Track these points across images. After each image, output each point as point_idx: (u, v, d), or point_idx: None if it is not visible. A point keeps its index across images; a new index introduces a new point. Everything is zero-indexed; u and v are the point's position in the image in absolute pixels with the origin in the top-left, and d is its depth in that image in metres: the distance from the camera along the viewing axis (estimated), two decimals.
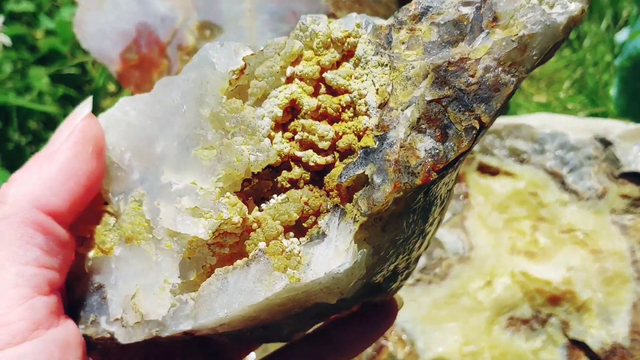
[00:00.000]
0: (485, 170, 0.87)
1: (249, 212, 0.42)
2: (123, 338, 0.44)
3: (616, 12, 1.20)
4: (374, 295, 0.52)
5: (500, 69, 0.40)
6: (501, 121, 0.89)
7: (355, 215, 0.40)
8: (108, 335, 0.44)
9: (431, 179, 0.39)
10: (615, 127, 0.86)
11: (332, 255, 0.40)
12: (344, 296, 0.44)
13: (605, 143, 0.85)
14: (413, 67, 0.40)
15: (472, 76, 0.40)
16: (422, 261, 0.85)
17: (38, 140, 1.26)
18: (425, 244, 0.52)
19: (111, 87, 1.33)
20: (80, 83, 1.31)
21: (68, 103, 1.29)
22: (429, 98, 0.40)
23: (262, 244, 0.41)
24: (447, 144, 0.40)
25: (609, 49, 1.17)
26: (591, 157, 0.86)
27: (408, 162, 0.39)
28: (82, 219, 0.45)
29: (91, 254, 0.45)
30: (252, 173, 0.42)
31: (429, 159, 0.39)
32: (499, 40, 0.40)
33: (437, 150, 0.39)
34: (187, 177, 0.42)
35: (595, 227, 0.84)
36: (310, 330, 0.56)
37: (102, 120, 0.45)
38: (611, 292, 0.83)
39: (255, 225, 0.42)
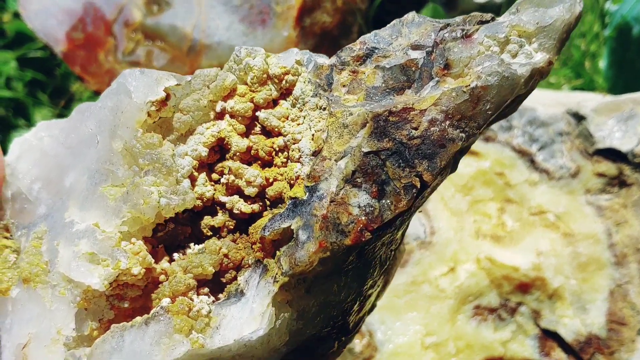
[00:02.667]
0: None
1: (157, 262, 0.38)
2: None
3: None
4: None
5: (447, 122, 0.36)
6: None
7: (276, 274, 0.37)
8: None
9: (363, 239, 0.36)
10: (589, 101, 0.80)
11: (246, 318, 0.37)
12: None
13: (578, 118, 0.79)
14: (351, 114, 0.37)
15: (416, 129, 0.37)
16: None
17: (7, 127, 1.23)
18: (367, 307, 0.47)
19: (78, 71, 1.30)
20: (49, 67, 1.27)
21: (37, 88, 1.26)
22: (366, 149, 0.36)
23: (166, 301, 0.37)
24: (383, 201, 0.36)
25: (598, 18, 1.10)
26: (563, 133, 0.79)
27: (338, 219, 0.36)
28: None
29: None
30: (174, 218, 0.39)
31: (363, 217, 0.36)
32: (449, 91, 0.36)
33: (372, 208, 0.36)
34: (91, 217, 0.38)
35: (568, 209, 0.78)
36: None
37: (16, 146, 0.42)
38: (586, 279, 0.77)
39: (162, 277, 0.38)
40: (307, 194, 0.37)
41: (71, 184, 0.39)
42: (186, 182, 0.38)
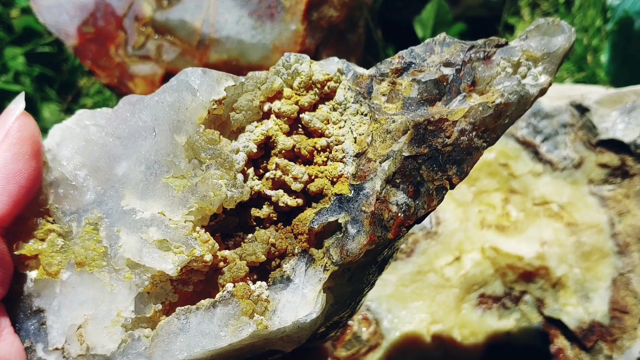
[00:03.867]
0: None
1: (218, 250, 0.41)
2: None
3: None
4: (313, 342, 0.52)
5: (474, 133, 0.41)
6: None
7: (326, 263, 0.41)
8: None
9: (401, 234, 0.41)
10: (592, 93, 0.81)
11: (299, 302, 0.40)
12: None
13: (582, 110, 0.80)
14: (394, 122, 0.41)
15: (448, 137, 0.41)
16: None
17: None
18: (368, 295, 0.52)
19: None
20: (56, 62, 1.29)
21: (45, 83, 1.27)
22: (406, 154, 0.41)
23: (229, 285, 0.40)
24: (418, 201, 0.41)
25: (600, 13, 1.11)
26: (567, 124, 0.81)
27: (382, 215, 0.40)
28: (18, 229, 0.42)
29: (33, 274, 0.42)
30: (223, 209, 0.42)
31: (401, 214, 0.40)
32: (476, 106, 0.41)
33: (409, 206, 0.41)
34: (154, 206, 0.41)
35: (571, 199, 0.80)
36: None
37: (57, 132, 0.43)
38: (589, 268, 0.78)
39: (222, 264, 0.41)
40: (353, 192, 0.41)
41: (124, 174, 0.42)
42: (240, 176, 0.42)
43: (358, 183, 0.41)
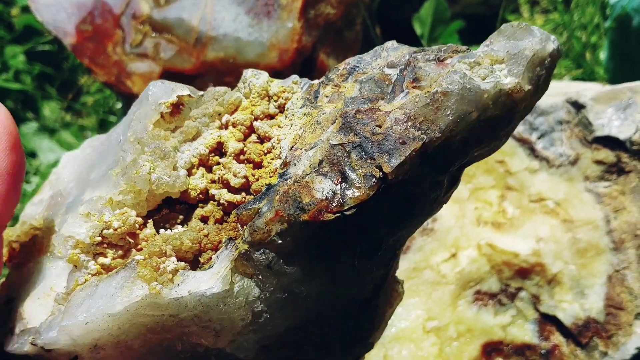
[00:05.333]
0: None
1: (140, 229, 0.43)
2: (10, 346, 0.43)
3: None
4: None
5: (409, 123, 0.39)
6: None
7: (239, 243, 0.40)
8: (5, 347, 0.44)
9: (321, 218, 0.39)
10: (588, 90, 0.81)
11: (205, 279, 0.40)
12: (233, 350, 0.42)
13: (578, 106, 0.80)
14: (324, 113, 0.42)
15: (379, 126, 0.40)
16: None
17: (16, 120, 1.24)
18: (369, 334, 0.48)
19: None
20: (57, 60, 1.29)
21: (45, 81, 1.28)
22: (333, 142, 0.40)
23: (139, 257, 0.41)
24: (345, 188, 0.39)
25: (599, 10, 1.11)
26: (563, 121, 0.81)
27: (300, 198, 0.39)
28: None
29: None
30: (163, 201, 0.43)
31: (324, 200, 0.39)
32: (413, 97, 0.40)
33: (334, 193, 0.39)
34: (97, 193, 0.44)
35: (567, 196, 0.80)
36: None
37: (65, 158, 0.50)
38: (584, 264, 0.78)
39: (144, 244, 0.43)
40: (279, 179, 0.41)
41: (94, 177, 0.45)
42: (182, 171, 0.43)
43: (283, 170, 0.42)
